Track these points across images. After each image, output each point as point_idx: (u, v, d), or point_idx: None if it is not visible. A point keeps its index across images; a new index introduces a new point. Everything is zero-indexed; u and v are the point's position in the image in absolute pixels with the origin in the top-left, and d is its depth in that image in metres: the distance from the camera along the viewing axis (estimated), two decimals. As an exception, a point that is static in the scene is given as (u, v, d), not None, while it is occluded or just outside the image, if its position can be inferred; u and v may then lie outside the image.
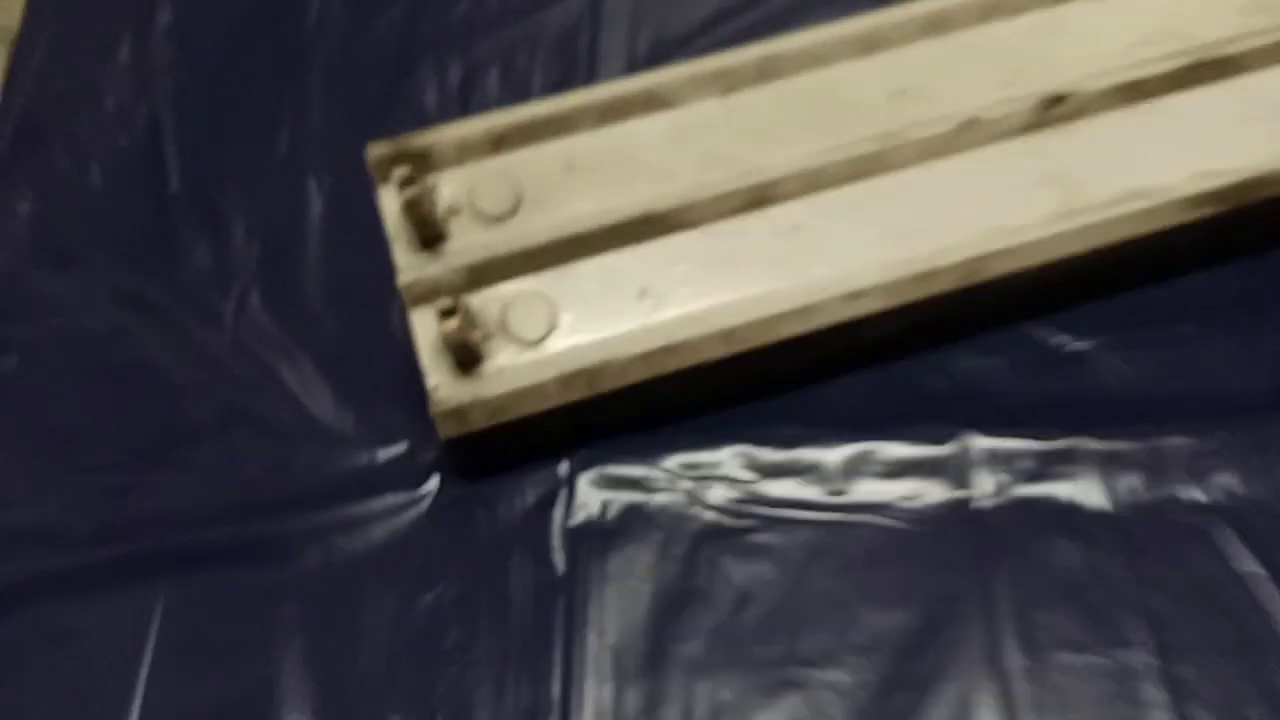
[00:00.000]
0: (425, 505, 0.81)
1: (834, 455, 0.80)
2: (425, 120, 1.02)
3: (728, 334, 0.74)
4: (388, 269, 0.78)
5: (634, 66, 1.05)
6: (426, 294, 0.73)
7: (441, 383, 0.71)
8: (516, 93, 1.04)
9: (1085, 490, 0.77)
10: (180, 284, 0.95)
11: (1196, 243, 0.81)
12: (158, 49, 1.11)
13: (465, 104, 1.04)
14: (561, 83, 1.04)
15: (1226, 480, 0.77)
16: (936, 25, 0.79)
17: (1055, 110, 0.77)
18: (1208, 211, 0.75)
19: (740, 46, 0.98)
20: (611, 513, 0.79)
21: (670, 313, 0.75)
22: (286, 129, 1.04)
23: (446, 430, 0.71)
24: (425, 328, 0.72)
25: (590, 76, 1.04)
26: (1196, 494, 0.76)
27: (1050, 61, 0.79)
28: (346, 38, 1.09)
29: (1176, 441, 0.78)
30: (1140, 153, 0.77)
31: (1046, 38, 0.79)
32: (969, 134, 0.77)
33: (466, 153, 0.76)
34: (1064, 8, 0.80)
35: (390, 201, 0.74)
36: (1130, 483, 0.77)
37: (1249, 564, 0.74)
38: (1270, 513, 0.75)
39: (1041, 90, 0.77)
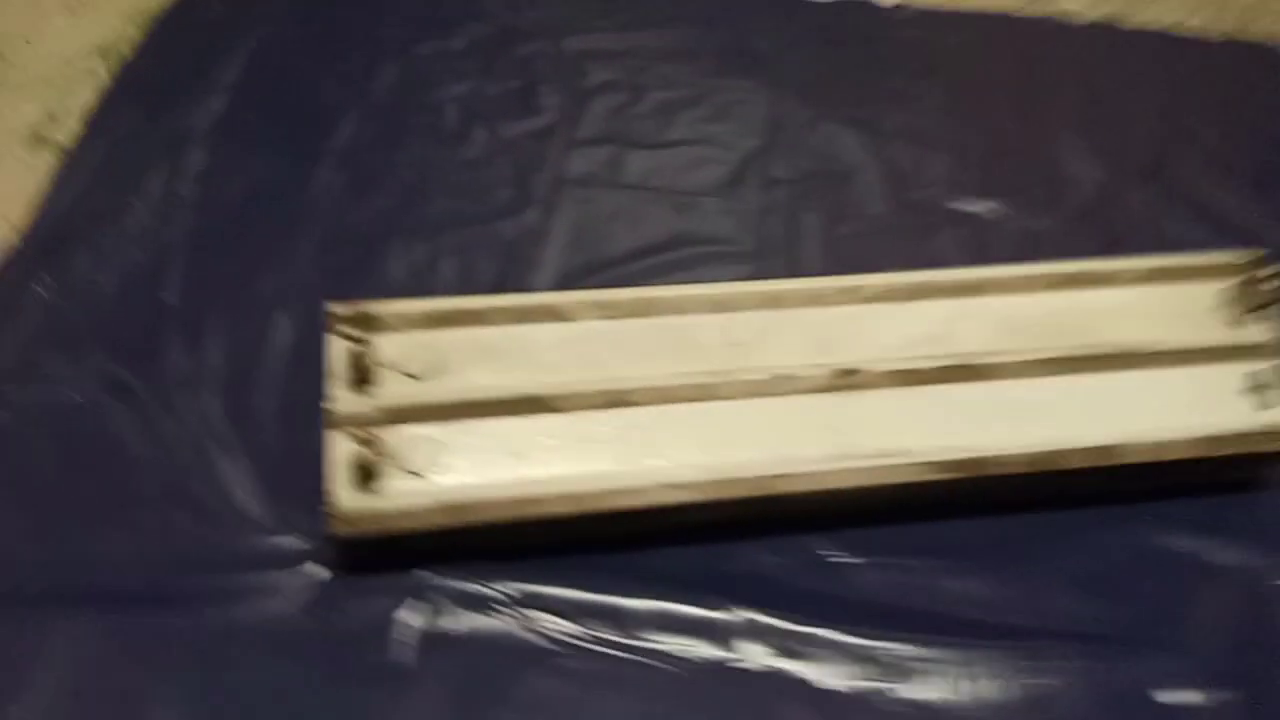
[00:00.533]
0: (307, 587, 1.00)
1: (639, 606, 1.01)
2: (387, 288, 1.28)
3: (574, 498, 0.96)
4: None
5: (564, 275, 1.32)
6: (347, 420, 0.95)
7: (341, 491, 0.92)
8: (466, 280, 1.30)
9: (820, 670, 0.98)
10: (157, 378, 1.16)
11: (943, 496, 1.06)
12: (184, 188, 1.37)
13: (422, 280, 1.29)
14: (503, 277, 1.30)
15: (924, 683, 0.98)
16: (771, 301, 1.06)
17: (846, 379, 1.03)
18: (946, 475, 1.00)
19: (636, 284, 1.27)
20: (454, 622, 0.99)
21: (534, 473, 0.97)
22: (274, 273, 1.28)
23: (337, 529, 0.92)
24: (339, 447, 0.94)
25: (527, 277, 1.31)
26: (906, 690, 0.98)
27: (849, 343, 1.05)
28: (340, 210, 1.36)
29: (899, 648, 1.00)
30: (903, 423, 1.02)
31: (850, 325, 1.07)
32: (780, 384, 1.02)
33: (405, 324, 1.01)
34: (868, 306, 1.08)
35: (336, 347, 0.97)
36: (851, 669, 0.98)
37: (933, 752, 0.94)
38: (952, 715, 0.96)
39: (838, 363, 1.03)
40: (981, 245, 1.41)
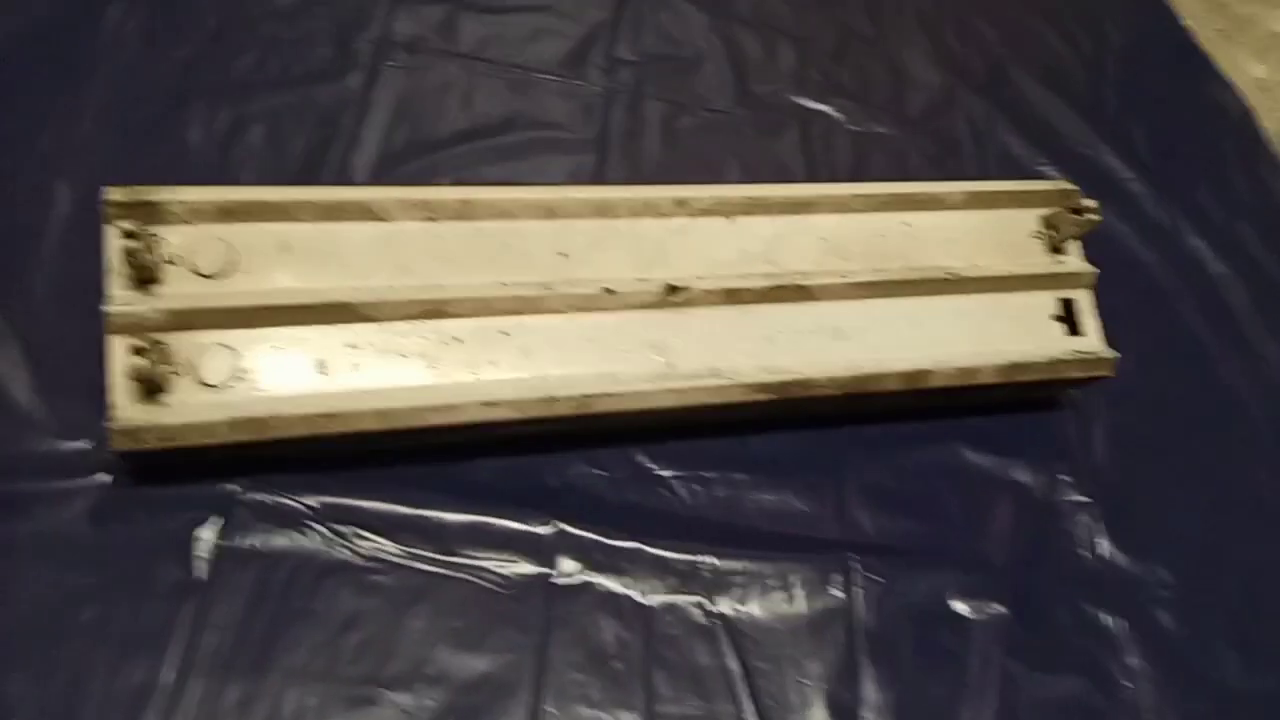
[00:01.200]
0: (92, 498, 0.93)
1: (454, 520, 0.99)
2: (185, 156, 1.16)
3: (382, 413, 0.91)
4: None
5: (385, 156, 1.22)
6: (129, 326, 0.86)
7: (123, 405, 0.84)
8: (276, 152, 1.19)
9: (633, 584, 1.00)
10: (-90, 250, 1.02)
11: (763, 414, 1.07)
12: (-57, 20, 1.18)
13: (226, 151, 1.17)
14: (318, 155, 1.20)
15: (737, 595, 1.02)
16: (601, 210, 1.02)
17: (672, 297, 1.01)
18: (763, 396, 1.01)
19: (464, 171, 1.20)
20: (256, 537, 0.94)
21: (340, 386, 0.92)
22: (52, 130, 1.13)
23: (119, 445, 0.85)
24: (119, 355, 0.85)
25: (345, 155, 1.21)
26: (711, 602, 1.01)
27: (678, 259, 1.03)
28: (133, 62, 1.20)
29: (709, 560, 1.03)
30: (725, 342, 1.02)
31: (680, 239, 1.04)
32: (606, 300, 0.99)
33: (195, 215, 0.91)
34: (698, 220, 1.05)
35: (113, 240, 0.87)
36: (668, 583, 1.01)
37: (733, 662, 0.98)
38: (759, 626, 1.01)
39: (666, 279, 1.01)
40: (823, 148, 1.40)
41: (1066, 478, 1.18)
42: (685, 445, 1.09)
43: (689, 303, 1.02)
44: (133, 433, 0.84)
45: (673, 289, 1.01)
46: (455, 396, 0.93)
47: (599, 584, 1.00)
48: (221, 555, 0.93)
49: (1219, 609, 1.14)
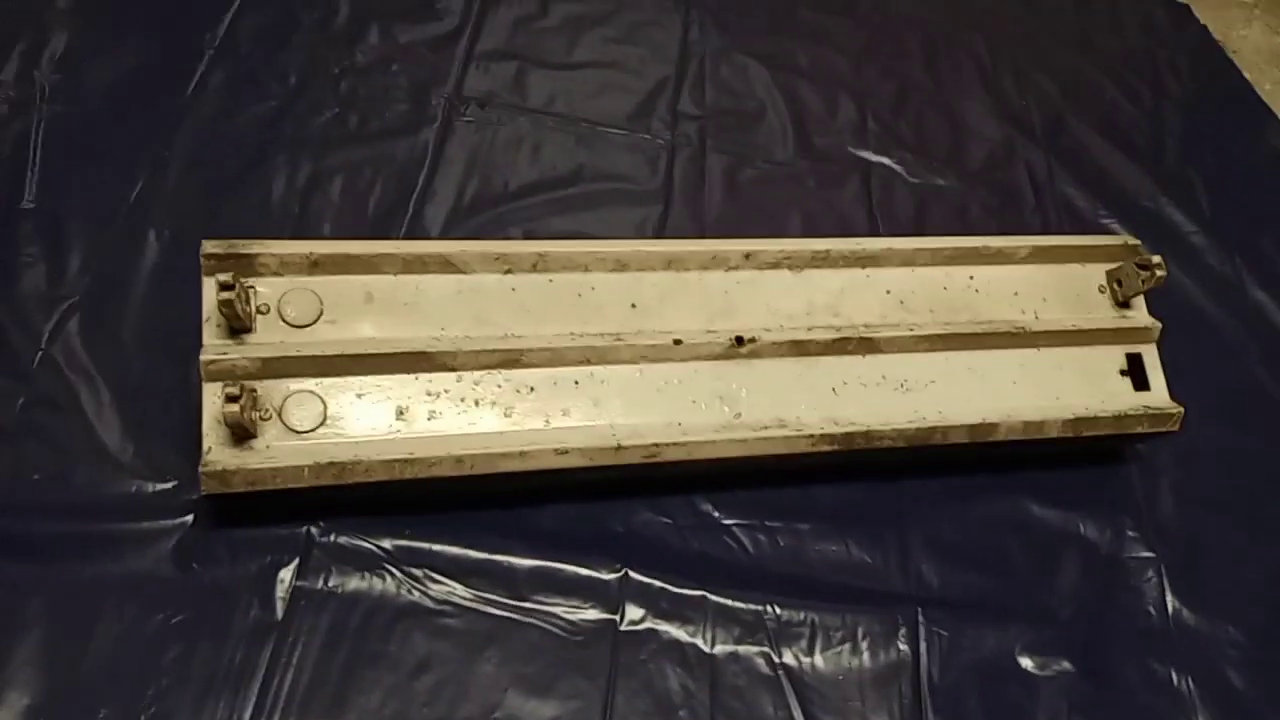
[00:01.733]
0: (177, 538, 0.96)
1: (524, 565, 1.01)
2: (267, 207, 1.21)
3: (459, 459, 0.94)
4: (200, 331, 0.94)
5: (458, 207, 1.26)
6: (222, 373, 0.90)
7: (214, 448, 0.88)
8: (353, 205, 1.23)
9: (697, 632, 1.01)
10: (10, 296, 1.07)
11: (827, 465, 1.08)
12: (45, 74, 1.24)
13: (306, 203, 1.22)
14: (393, 207, 1.24)
15: (802, 646, 1.02)
16: (671, 263, 1.04)
17: (740, 348, 1.03)
18: (828, 447, 1.02)
19: (534, 221, 1.23)
20: (334, 578, 0.97)
21: (418, 432, 0.95)
22: (143, 180, 1.19)
23: (209, 488, 0.88)
24: (212, 401, 0.89)
25: (419, 207, 1.25)
26: (776, 653, 1.01)
27: (746, 311, 1.05)
28: (218, 115, 1.26)
29: (774, 609, 1.03)
30: (791, 394, 1.03)
31: (747, 291, 1.06)
32: (675, 350, 1.01)
33: (286, 267, 0.94)
34: (765, 273, 1.07)
35: (210, 291, 0.91)
36: (733, 632, 1.01)
37: (798, 713, 0.99)
38: (824, 678, 1.01)
39: (733, 330, 1.03)
40: (884, 199, 1.41)
41: (1133, 533, 1.18)
42: (750, 494, 1.10)
43: (756, 354, 1.03)
44: (222, 476, 0.88)
45: (740, 340, 1.03)
46: (528, 444, 0.95)
47: (665, 631, 1.01)
48: (299, 596, 0.96)
49: (1291, 668, 1.13)
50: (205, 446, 0.89)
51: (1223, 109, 1.71)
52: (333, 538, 0.99)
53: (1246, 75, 1.77)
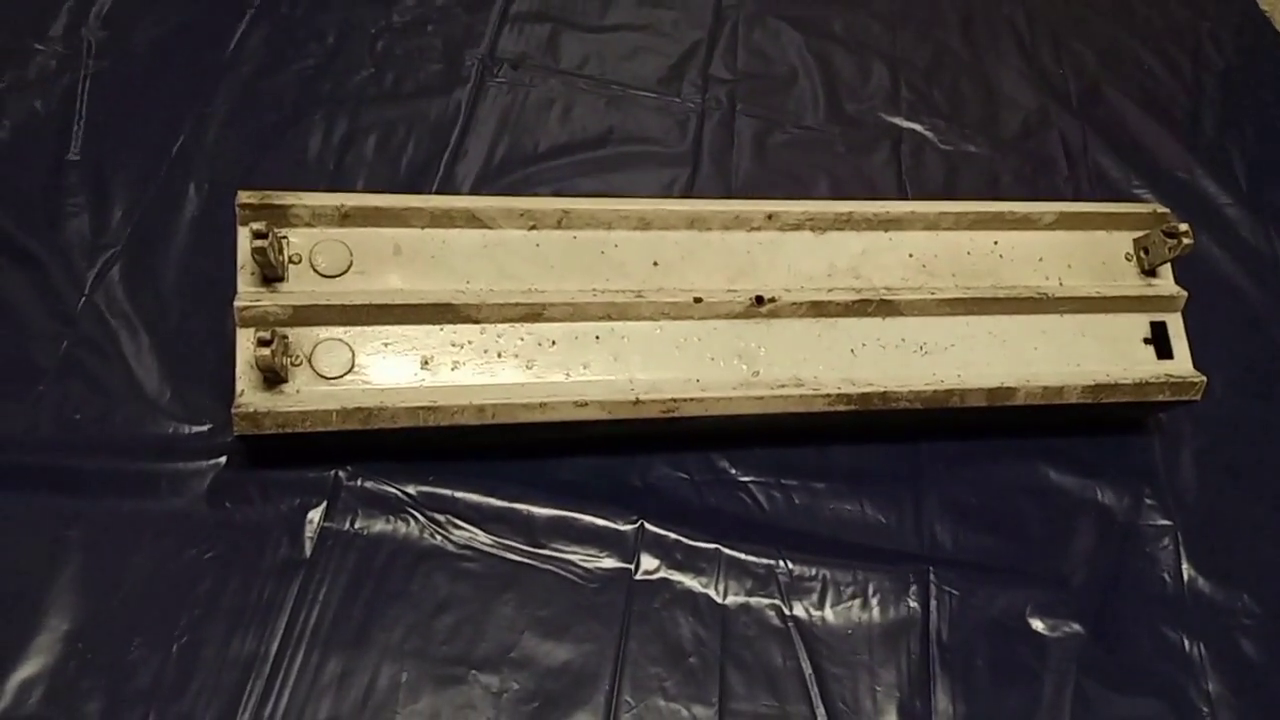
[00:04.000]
0: (211, 478, 1.00)
1: (543, 514, 1.04)
2: (304, 162, 1.24)
3: (480, 408, 0.97)
4: (236, 281, 0.97)
5: (488, 166, 1.29)
6: (255, 319, 0.93)
7: (246, 391, 0.91)
8: (386, 162, 1.26)
9: (710, 584, 1.03)
10: (56, 243, 1.12)
11: (845, 425, 1.10)
12: (91, 32, 1.28)
13: (341, 159, 1.25)
14: (426, 163, 1.27)
15: (813, 600, 1.04)
16: (694, 222, 1.06)
17: (760, 308, 1.04)
18: (844, 407, 1.03)
19: (563, 182, 1.25)
20: (360, 520, 1.00)
21: (443, 381, 0.97)
22: (184, 135, 1.22)
23: (240, 429, 0.91)
24: (245, 345, 0.92)
25: (451, 165, 1.27)
26: (787, 606, 1.03)
27: (767, 271, 1.06)
28: (257, 73, 1.29)
29: (786, 564, 1.05)
30: (810, 354, 1.05)
31: (769, 252, 1.07)
32: (695, 308, 1.03)
33: (318, 218, 0.97)
34: (788, 233, 1.08)
35: (244, 240, 0.94)
36: (745, 584, 1.03)
37: (806, 665, 1.01)
38: (834, 632, 1.03)
39: (754, 290, 1.04)
40: (914, 165, 1.41)
41: (1150, 500, 1.18)
42: (767, 453, 1.12)
43: (775, 314, 1.05)
44: (253, 418, 0.91)
45: (760, 300, 1.04)
46: (548, 395, 0.98)
47: (678, 582, 1.03)
48: (326, 536, 0.99)
49: (1307, 641, 1.13)
50: (238, 389, 0.92)
51: (1265, 83, 1.68)
52: (360, 482, 1.02)
53: (1293, 47, 1.73)
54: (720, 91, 1.41)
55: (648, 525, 1.05)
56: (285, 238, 0.97)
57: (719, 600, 1.03)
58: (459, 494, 1.03)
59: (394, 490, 1.02)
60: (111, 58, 1.26)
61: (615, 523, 1.05)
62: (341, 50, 1.33)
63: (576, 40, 1.41)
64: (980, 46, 1.57)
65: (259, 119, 1.26)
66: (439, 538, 1.01)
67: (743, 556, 1.05)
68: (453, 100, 1.32)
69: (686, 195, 1.30)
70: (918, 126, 1.45)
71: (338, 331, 0.96)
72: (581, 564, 1.02)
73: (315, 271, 0.97)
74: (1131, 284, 1.17)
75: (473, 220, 1.01)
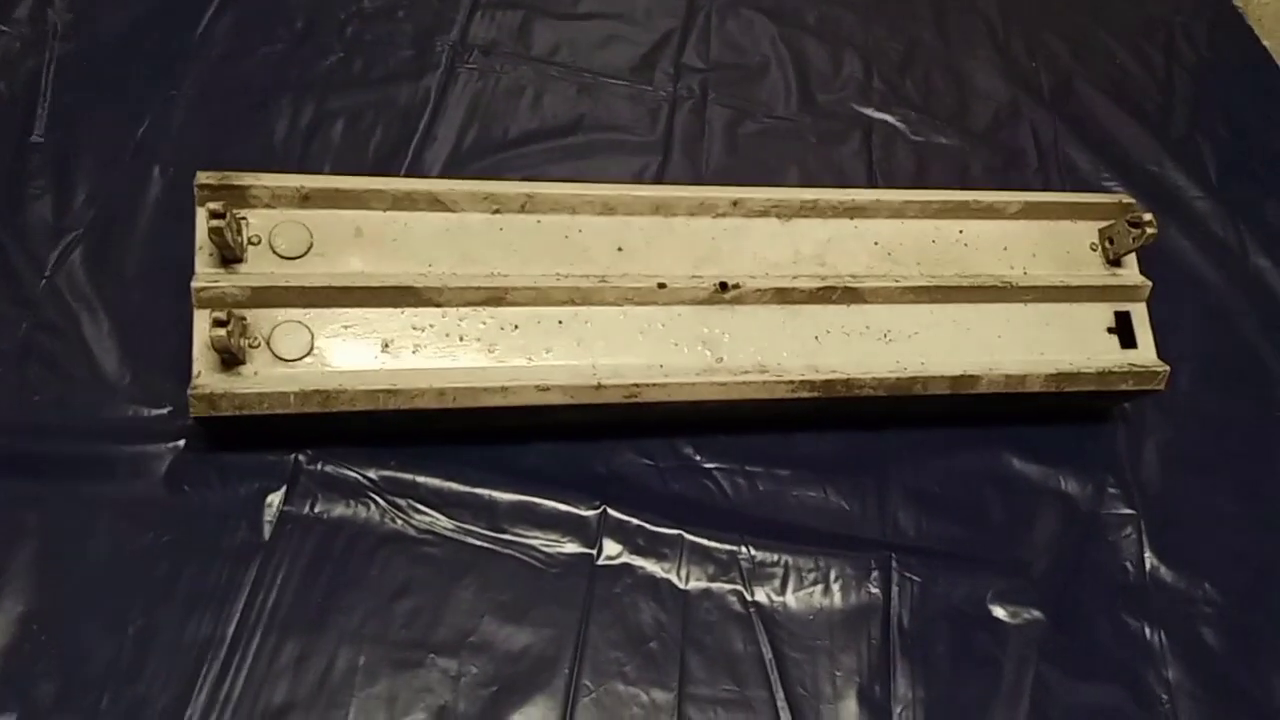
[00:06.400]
0: (169, 461, 0.99)
1: (505, 499, 1.04)
2: (270, 148, 1.23)
3: (441, 392, 0.96)
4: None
5: (457, 152, 1.28)
6: (213, 300, 0.93)
7: (203, 372, 0.91)
8: (354, 148, 1.25)
9: (673, 568, 1.03)
10: (17, 225, 1.10)
11: (809, 413, 1.10)
12: (58, 14, 1.26)
13: (308, 144, 1.24)
14: (395, 149, 1.26)
15: (774, 586, 1.04)
16: (659, 208, 1.05)
17: (724, 294, 1.04)
18: (808, 394, 1.04)
19: (531, 169, 1.24)
20: (320, 505, 1.00)
21: (403, 365, 0.97)
22: (149, 118, 1.21)
23: (197, 411, 0.91)
24: (203, 327, 0.92)
25: (420, 151, 1.26)
26: (749, 592, 1.03)
27: (731, 258, 1.06)
28: (224, 57, 1.28)
29: (748, 550, 1.05)
30: (774, 340, 1.05)
31: (734, 239, 1.07)
32: (661, 294, 1.03)
33: (278, 200, 0.97)
34: (753, 220, 1.08)
35: (202, 220, 0.94)
36: (707, 570, 1.04)
37: (767, 650, 1.01)
38: (795, 617, 1.03)
39: (719, 276, 1.04)
40: (884, 156, 1.42)
41: (1114, 490, 1.18)
42: (731, 440, 1.12)
43: (740, 300, 1.05)
44: (210, 399, 0.91)
45: (724, 286, 1.04)
46: (510, 379, 0.98)
47: (640, 567, 1.03)
48: (285, 520, 0.99)
49: (1267, 629, 1.13)
50: (195, 370, 0.92)
51: (1237, 76, 1.69)
52: (320, 466, 1.02)
53: (1265, 44, 1.74)
54: (693, 80, 1.41)
55: (610, 511, 1.05)
56: (244, 219, 0.96)
57: (681, 586, 1.03)
58: (421, 479, 1.03)
59: (355, 474, 1.02)
60: (77, 41, 1.25)
61: (578, 508, 1.04)
62: (310, 35, 1.32)
63: (548, 27, 1.41)
64: (953, 38, 1.57)
65: (226, 103, 1.25)
66: (400, 522, 1.01)
67: (705, 542, 1.05)
68: (422, 86, 1.32)
69: (657, 183, 1.30)
70: (889, 117, 1.45)
71: (297, 314, 0.95)
72: (543, 549, 1.02)
73: (275, 253, 0.96)
74: (1096, 274, 1.17)
75: (435, 203, 1.01)
